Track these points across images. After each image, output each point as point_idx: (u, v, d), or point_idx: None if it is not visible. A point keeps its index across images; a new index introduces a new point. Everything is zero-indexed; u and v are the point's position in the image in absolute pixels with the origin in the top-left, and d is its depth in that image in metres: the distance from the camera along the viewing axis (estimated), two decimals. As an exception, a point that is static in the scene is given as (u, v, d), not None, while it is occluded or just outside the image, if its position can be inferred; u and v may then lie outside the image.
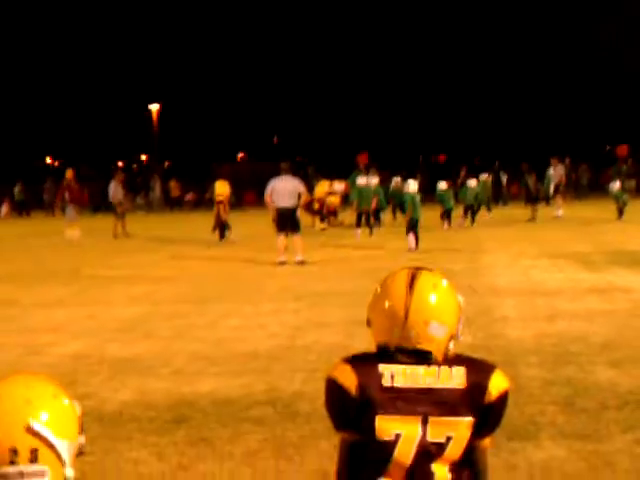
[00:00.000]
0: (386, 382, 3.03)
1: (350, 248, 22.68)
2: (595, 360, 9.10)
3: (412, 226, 21.70)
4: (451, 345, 3.13)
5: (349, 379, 3.04)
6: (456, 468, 3.07)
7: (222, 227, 25.37)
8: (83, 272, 18.70)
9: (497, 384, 3.10)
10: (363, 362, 3.10)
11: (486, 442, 3.16)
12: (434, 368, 3.07)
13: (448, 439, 3.03)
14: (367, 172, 38.35)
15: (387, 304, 3.13)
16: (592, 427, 6.95)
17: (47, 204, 47.45)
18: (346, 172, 38.66)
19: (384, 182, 37.11)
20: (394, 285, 3.16)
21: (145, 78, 72.21)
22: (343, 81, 74.80)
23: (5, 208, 49.46)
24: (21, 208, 47.76)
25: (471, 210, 30.62)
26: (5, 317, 13.13)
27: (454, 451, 3.04)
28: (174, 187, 51.83)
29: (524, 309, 12.49)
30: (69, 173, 31.96)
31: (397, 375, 3.04)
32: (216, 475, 6.20)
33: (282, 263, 18.59)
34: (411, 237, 21.53)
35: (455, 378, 3.06)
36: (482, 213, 32.42)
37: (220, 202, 25.39)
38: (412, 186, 22.61)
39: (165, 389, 8.51)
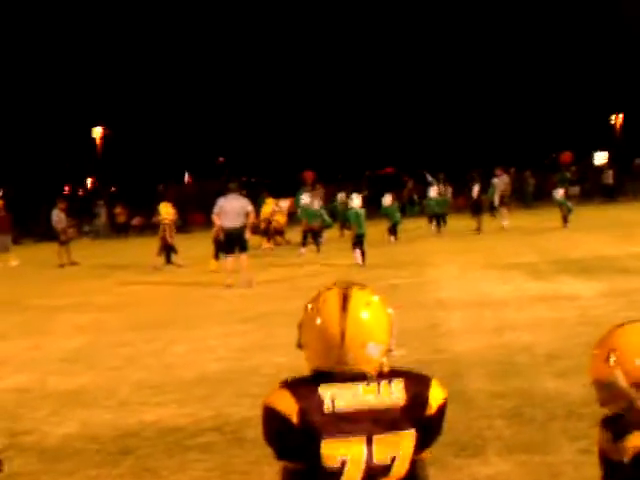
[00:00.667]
0: (327, 405, 2.95)
1: (297, 267, 22.61)
2: (542, 370, 9.11)
3: (358, 242, 21.69)
4: (384, 359, 3.07)
5: (289, 406, 2.94)
6: None
7: (168, 250, 25.12)
8: (26, 302, 18.43)
9: (436, 395, 3.07)
10: (302, 386, 3.00)
11: (425, 454, 3.13)
12: (373, 385, 3.00)
13: (394, 458, 2.98)
14: (313, 189, 38.45)
15: (321, 327, 3.03)
16: (539, 438, 6.93)
17: None
18: (292, 189, 38.72)
19: (330, 198, 37.21)
20: (326, 306, 3.05)
21: (88, 101, 71.59)
22: (286, 97, 74.70)
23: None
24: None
25: (436, 219, 31.26)
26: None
27: (400, 468, 2.99)
28: (120, 213, 51.40)
29: (470, 321, 12.49)
30: None
31: (338, 397, 2.96)
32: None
33: (230, 286, 18.43)
34: (357, 253, 21.51)
35: (395, 393, 3.00)
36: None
37: (165, 224, 25.13)
38: (355, 201, 22.60)
39: (110, 421, 8.36)
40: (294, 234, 30.95)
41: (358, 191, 29.36)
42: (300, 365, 3.12)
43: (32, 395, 9.69)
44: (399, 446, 2.98)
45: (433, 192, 32.97)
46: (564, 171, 45.96)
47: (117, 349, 12.19)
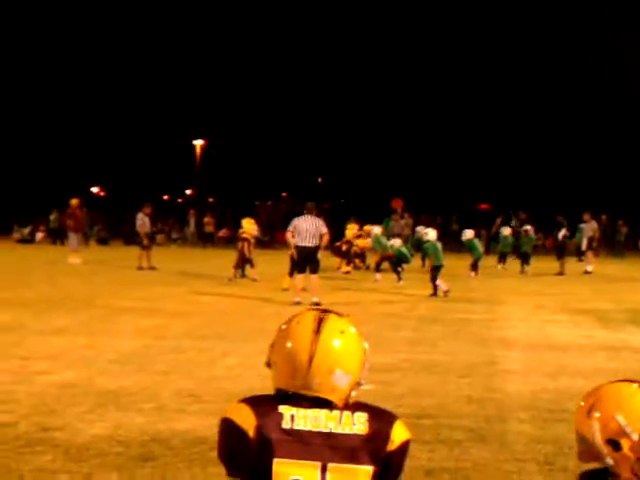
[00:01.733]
0: (286, 424, 2.89)
1: (370, 292, 22.51)
2: (587, 419, 8.82)
3: (435, 273, 21.57)
4: (353, 393, 2.99)
5: (247, 420, 2.90)
6: None
7: (245, 264, 25.28)
8: (95, 301, 18.61)
9: (399, 433, 2.98)
10: (262, 403, 2.96)
11: None
12: (336, 413, 2.93)
13: None
14: (402, 217, 38.35)
15: (290, 348, 2.98)
16: (567, 489, 6.71)
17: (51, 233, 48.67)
18: (383, 216, 38.62)
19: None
20: (299, 328, 3.00)
21: (191, 114, 72.81)
22: (391, 125, 75.01)
23: (40, 234, 50.06)
24: (55, 235, 48.02)
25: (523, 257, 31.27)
26: (4, 343, 13.02)
27: None
28: (208, 223, 51.90)
29: (529, 363, 12.23)
30: (74, 201, 32.27)
31: (298, 417, 2.90)
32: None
33: (298, 303, 18.37)
34: (440, 283, 21.40)
35: (357, 424, 2.92)
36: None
37: (245, 239, 25.27)
38: (431, 234, 22.59)
39: (141, 425, 8.34)
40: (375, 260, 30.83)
41: (434, 225, 29.31)
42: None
43: (74, 392, 9.72)
44: (354, 478, 2.88)
45: (506, 231, 33.41)
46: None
47: (169, 355, 12.21)
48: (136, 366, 11.38)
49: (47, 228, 50.36)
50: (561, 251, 30.91)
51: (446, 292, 21.21)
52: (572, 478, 6.94)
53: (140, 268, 28.49)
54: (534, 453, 7.65)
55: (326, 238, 19.46)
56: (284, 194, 74.56)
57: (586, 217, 32.80)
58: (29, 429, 8.05)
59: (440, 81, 73.95)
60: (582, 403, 3.06)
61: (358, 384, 3.00)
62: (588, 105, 70.23)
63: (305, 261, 19.11)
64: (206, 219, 52.27)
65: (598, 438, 2.87)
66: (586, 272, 30.37)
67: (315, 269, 19.14)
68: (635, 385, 2.99)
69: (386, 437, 2.93)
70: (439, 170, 75.01)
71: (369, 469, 2.89)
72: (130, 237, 40.89)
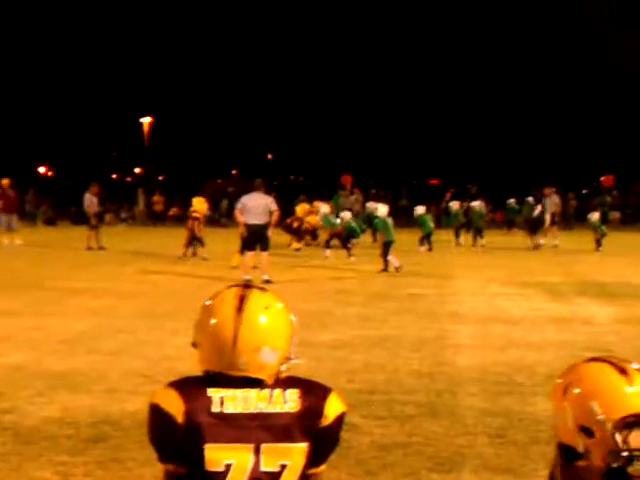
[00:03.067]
0: (215, 408, 2.82)
1: (321, 269, 22.51)
2: (537, 391, 8.91)
3: (386, 249, 21.60)
4: (283, 367, 2.93)
5: (175, 405, 2.82)
6: None
7: (195, 243, 25.18)
8: (44, 283, 18.41)
9: (333, 407, 2.92)
10: (190, 386, 2.87)
11: (321, 469, 2.98)
12: (266, 392, 2.87)
13: (282, 467, 2.83)
14: (351, 193, 38.37)
15: (214, 328, 2.89)
16: (518, 460, 6.76)
17: None
18: (331, 192, 38.62)
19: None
20: (222, 307, 2.92)
21: (138, 91, 72.08)
22: (339, 101, 74.80)
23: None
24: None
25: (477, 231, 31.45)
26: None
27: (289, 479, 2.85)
28: (158, 201, 51.53)
29: (479, 337, 12.32)
30: (4, 182, 31.88)
31: (227, 400, 2.84)
32: (120, 498, 5.98)
33: (248, 281, 18.26)
34: (391, 258, 21.43)
35: (288, 401, 2.86)
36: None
37: (195, 219, 25.15)
38: (381, 210, 22.62)
39: (92, 406, 8.27)
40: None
41: (384, 200, 29.42)
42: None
43: (23, 374, 9.63)
44: (289, 457, 2.84)
45: (455, 206, 34.07)
46: (605, 194, 45.53)
47: (119, 335, 12.13)
48: (86, 347, 11.30)
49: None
50: (535, 226, 31.14)
51: (397, 268, 21.25)
52: (523, 450, 7.02)
53: (89, 248, 28.25)
54: (485, 426, 7.69)
55: (276, 215, 19.40)
56: (234, 171, 74.25)
57: (548, 191, 32.68)
58: (-23, 413, 7.97)
59: (388, 55, 73.83)
60: (559, 380, 2.93)
61: (287, 359, 2.95)
62: (534, 79, 70.60)
63: (254, 239, 19.02)
64: (155, 198, 51.89)
65: (571, 422, 2.78)
66: (554, 246, 30.53)
67: (265, 247, 19.07)
68: (611, 367, 2.85)
69: (319, 412, 2.87)
70: (389, 145, 75.02)
71: (303, 446, 2.85)
72: (78, 217, 40.52)
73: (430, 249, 28.40)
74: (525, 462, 6.73)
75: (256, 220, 18.91)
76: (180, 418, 2.80)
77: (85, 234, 29.17)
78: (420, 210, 29.31)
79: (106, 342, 11.64)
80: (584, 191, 60.28)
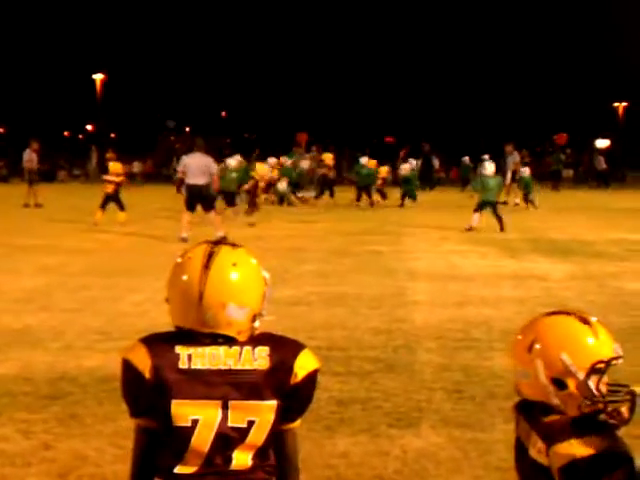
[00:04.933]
0: (183, 364, 2.82)
1: (277, 228, 22.50)
2: (493, 347, 8.98)
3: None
4: (256, 324, 2.92)
5: (143, 361, 2.82)
6: (260, 453, 2.88)
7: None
8: (-4, 240, 18.28)
9: (304, 364, 2.91)
10: (159, 343, 2.87)
11: (295, 424, 3.00)
12: (236, 349, 2.85)
13: (250, 424, 2.84)
14: (306, 151, 38.34)
15: (182, 284, 2.88)
16: (475, 415, 6.82)
17: None
18: (285, 150, 38.55)
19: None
20: (190, 263, 2.90)
21: (90, 48, 71.21)
22: (294, 58, 74.41)
23: None
24: None
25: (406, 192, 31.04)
26: None
27: (257, 436, 2.85)
28: (110, 158, 50.95)
29: (435, 294, 12.37)
30: None
31: (195, 356, 2.83)
32: (79, 454, 5.94)
33: (184, 240, 17.87)
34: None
35: (258, 359, 2.85)
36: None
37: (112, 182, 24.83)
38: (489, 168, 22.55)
39: (49, 363, 8.22)
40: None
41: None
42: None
43: (-22, 332, 9.55)
44: (257, 413, 2.84)
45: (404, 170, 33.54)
46: (559, 152, 45.80)
47: (74, 293, 12.04)
48: (41, 304, 11.21)
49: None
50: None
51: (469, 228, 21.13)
52: (480, 405, 7.08)
53: (26, 205, 28.02)
54: (443, 382, 7.74)
55: (215, 178, 19.28)
56: (187, 128, 73.79)
57: (508, 149, 32.73)
58: None
59: (341, 10, 73.46)
60: (520, 337, 2.96)
61: (259, 315, 2.93)
62: (486, 35, 70.70)
63: (195, 199, 18.91)
64: (108, 154, 51.40)
65: (542, 377, 2.81)
66: (515, 204, 30.71)
67: (208, 207, 18.98)
68: (573, 318, 2.90)
69: (289, 370, 2.86)
70: (346, 103, 74.85)
71: (272, 403, 2.84)
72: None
73: (372, 204, 28.82)
74: (483, 416, 6.79)
75: (196, 180, 18.79)
76: (148, 374, 2.81)
77: (25, 191, 28.90)
78: (363, 161, 30.26)
79: (61, 299, 11.57)
80: (537, 149, 60.54)
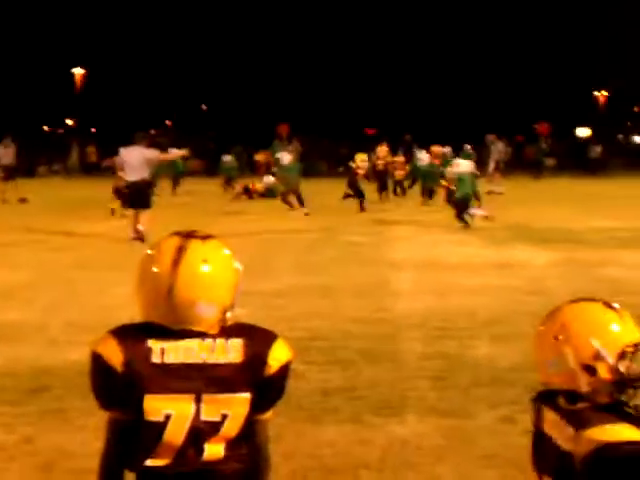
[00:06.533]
0: (156, 358, 2.77)
1: (257, 221, 22.52)
2: (477, 335, 9.01)
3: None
4: (228, 314, 2.85)
5: (115, 355, 2.76)
6: (233, 444, 2.84)
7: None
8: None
9: (277, 356, 2.86)
10: (131, 336, 2.80)
11: (267, 415, 2.96)
12: (209, 342, 2.80)
13: (224, 417, 2.80)
14: (289, 143, 38.22)
15: (152, 279, 2.80)
16: (460, 403, 6.85)
17: None
18: (267, 143, 38.42)
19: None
20: (159, 259, 2.81)
21: (70, 41, 70.80)
22: (274, 49, 74.20)
23: None
24: None
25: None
26: None
27: (230, 429, 2.82)
28: (91, 153, 51.01)
29: (419, 283, 12.41)
30: None
31: (168, 350, 2.78)
32: (63, 448, 5.93)
33: (138, 237, 16.97)
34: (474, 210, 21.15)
35: (231, 352, 2.80)
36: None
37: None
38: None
39: (33, 357, 8.21)
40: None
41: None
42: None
43: (-40, 327, 9.52)
44: (231, 406, 2.80)
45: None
46: (541, 142, 45.89)
47: (56, 286, 12.03)
48: (23, 299, 11.19)
49: None
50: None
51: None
52: (464, 393, 7.11)
53: (4, 201, 27.93)
54: (426, 370, 7.76)
55: (160, 159, 18.94)
56: (169, 122, 73.53)
57: (492, 138, 32.75)
58: None
59: (323, 2, 73.36)
60: (542, 327, 2.96)
61: (231, 306, 2.86)
62: (467, 25, 70.73)
63: (133, 196, 17.70)
64: (89, 149, 51.38)
65: (572, 363, 2.83)
66: (499, 193, 30.67)
67: (144, 204, 17.58)
68: (600, 304, 2.93)
69: (263, 362, 2.83)
70: (327, 95, 74.71)
71: (246, 396, 2.81)
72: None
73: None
74: (467, 404, 6.81)
75: (132, 177, 17.58)
76: (119, 368, 2.75)
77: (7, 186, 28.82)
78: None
79: (44, 293, 11.54)
80: (518, 138, 60.59)
